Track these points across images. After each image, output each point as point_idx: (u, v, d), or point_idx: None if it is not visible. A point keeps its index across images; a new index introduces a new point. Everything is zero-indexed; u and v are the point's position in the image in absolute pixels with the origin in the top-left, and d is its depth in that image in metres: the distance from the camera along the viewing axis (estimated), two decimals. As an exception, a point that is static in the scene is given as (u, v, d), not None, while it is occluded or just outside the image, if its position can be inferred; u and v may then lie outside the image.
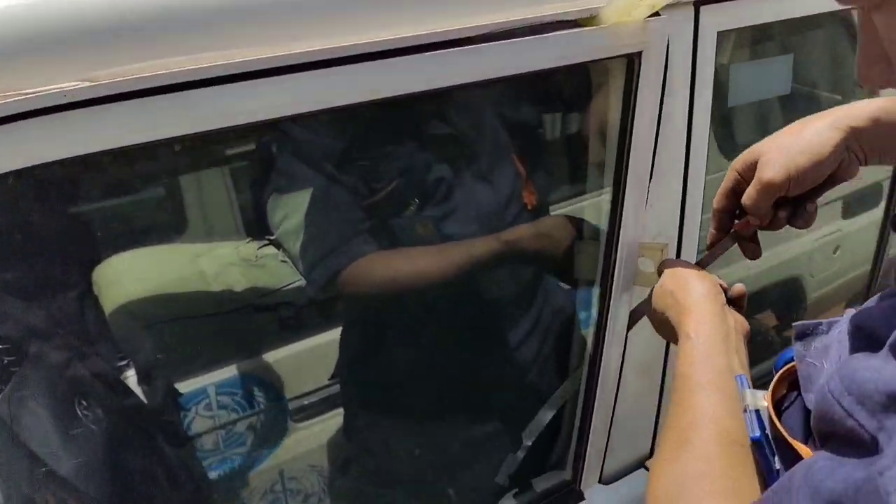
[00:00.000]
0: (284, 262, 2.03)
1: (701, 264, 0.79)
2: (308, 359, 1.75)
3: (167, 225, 2.34)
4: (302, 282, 1.89)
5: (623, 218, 0.87)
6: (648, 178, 0.87)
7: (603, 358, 0.94)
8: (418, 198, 1.12)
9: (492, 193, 1.13)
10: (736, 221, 0.77)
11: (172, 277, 1.89)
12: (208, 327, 1.74)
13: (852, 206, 2.59)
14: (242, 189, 2.42)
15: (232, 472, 1.71)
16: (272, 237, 2.13)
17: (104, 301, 1.77)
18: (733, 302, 0.73)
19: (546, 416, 1.11)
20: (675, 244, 0.94)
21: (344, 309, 1.36)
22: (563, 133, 1.40)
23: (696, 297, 0.69)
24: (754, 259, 0.78)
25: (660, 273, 0.80)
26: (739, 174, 0.74)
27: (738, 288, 0.76)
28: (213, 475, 1.69)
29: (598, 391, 0.96)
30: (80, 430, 0.98)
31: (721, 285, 0.73)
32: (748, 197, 0.72)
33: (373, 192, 1.09)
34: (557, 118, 1.42)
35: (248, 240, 2.19)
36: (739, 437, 0.54)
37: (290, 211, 2.09)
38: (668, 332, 0.72)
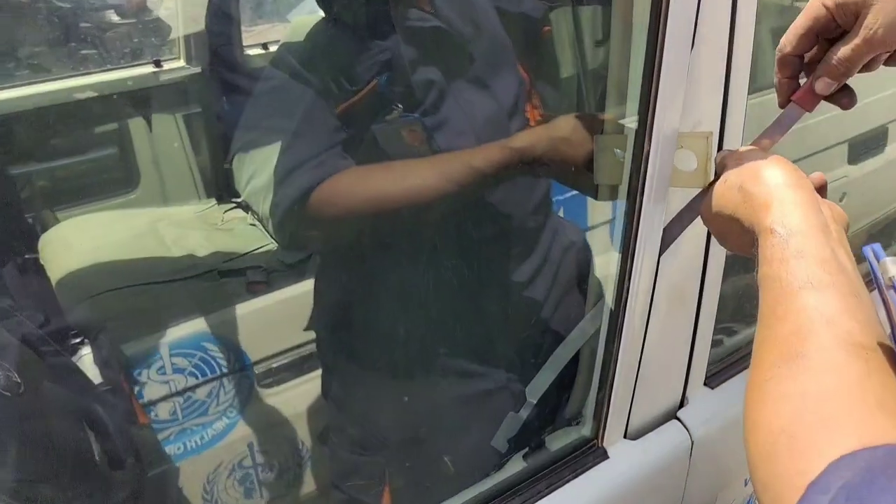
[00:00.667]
0: (253, 225, 1.85)
1: (768, 138, 0.61)
2: (277, 315, 1.55)
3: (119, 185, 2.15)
4: (273, 244, 1.72)
5: (657, 101, 0.68)
6: (689, 49, 0.68)
7: (631, 286, 0.76)
8: (402, 103, 0.91)
9: (491, 103, 0.93)
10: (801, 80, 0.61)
11: (127, 243, 1.70)
12: (166, 291, 1.55)
13: (858, 151, 2.45)
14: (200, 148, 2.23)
15: (193, 444, 1.52)
16: (239, 199, 1.95)
17: (51, 270, 1.58)
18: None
19: (557, 365, 0.92)
20: (718, 135, 0.75)
21: (317, 241, 1.15)
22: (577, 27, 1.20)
23: (776, 186, 0.53)
24: (850, 107, 0.61)
25: (718, 171, 0.62)
26: (831, 12, 0.56)
27: (818, 176, 0.60)
28: (170, 449, 1.49)
29: (624, 328, 0.78)
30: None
31: None
32: (847, 53, 0.56)
33: (348, 94, 0.89)
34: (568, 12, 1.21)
35: (211, 204, 2.00)
36: (867, 340, 0.43)
37: (258, 168, 1.87)
38: (739, 238, 0.56)
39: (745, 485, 1.03)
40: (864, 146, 2.44)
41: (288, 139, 0.90)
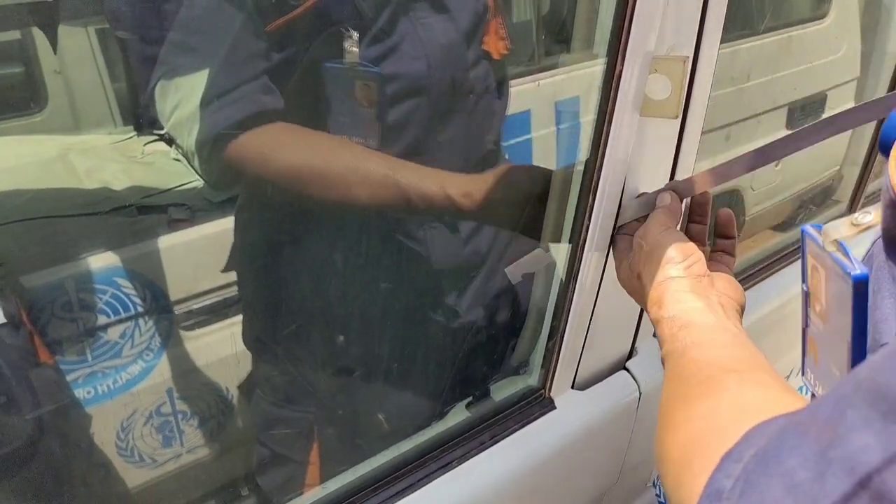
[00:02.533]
0: (177, 160, 1.70)
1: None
2: (202, 252, 1.43)
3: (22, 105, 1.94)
4: (199, 181, 1.59)
5: (634, 17, 0.61)
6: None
7: (590, 228, 0.70)
8: (349, 22, 0.79)
9: (449, 27, 0.83)
10: None
11: (32, 171, 1.54)
12: (76, 225, 1.41)
13: (796, 116, 2.49)
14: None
15: (104, 389, 1.40)
16: (162, 132, 1.79)
17: None
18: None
19: (498, 314, 0.87)
20: (692, 60, 0.69)
21: (242, 184, 1.03)
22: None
23: (666, 280, 0.56)
24: None
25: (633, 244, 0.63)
26: None
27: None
28: (80, 392, 1.37)
29: (579, 274, 0.73)
30: None
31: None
32: None
33: (282, 8, 0.76)
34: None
35: (132, 134, 1.83)
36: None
37: (184, 96, 1.71)
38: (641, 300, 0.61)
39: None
40: (803, 112, 2.48)
41: (206, 63, 0.77)
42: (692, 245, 0.57)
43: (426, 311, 0.95)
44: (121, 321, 1.40)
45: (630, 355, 0.88)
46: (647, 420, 0.88)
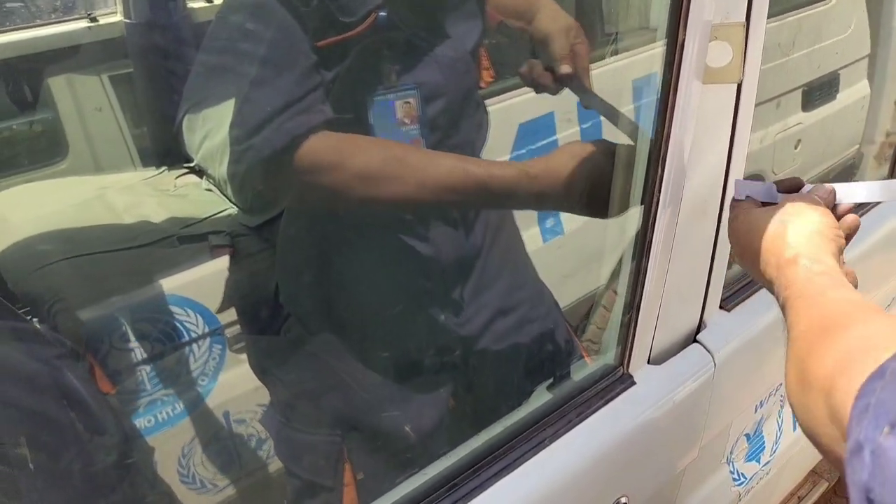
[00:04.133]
0: (209, 190, 1.74)
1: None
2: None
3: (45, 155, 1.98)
4: (232, 209, 1.61)
5: (693, -12, 0.63)
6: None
7: (660, 199, 0.71)
8: (396, 47, 0.82)
9: (456, 44, 0.86)
10: None
11: (73, 212, 1.57)
12: (123, 258, 1.44)
13: (811, 98, 2.50)
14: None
15: (163, 416, 1.42)
16: (192, 164, 1.82)
17: None
18: None
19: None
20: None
21: (282, 202, 1.05)
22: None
23: (811, 234, 0.58)
24: None
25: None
26: None
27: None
28: (141, 422, 1.38)
29: (651, 247, 0.74)
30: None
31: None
32: None
33: (337, 26, 0.78)
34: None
35: (162, 169, 1.87)
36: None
37: (213, 127, 1.74)
38: (756, 258, 0.61)
39: (755, 411, 1.02)
40: (818, 93, 2.49)
41: (262, 74, 0.77)
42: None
43: (438, 309, 0.97)
44: (175, 348, 1.42)
45: (699, 329, 0.88)
46: (721, 392, 0.88)
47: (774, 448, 1.10)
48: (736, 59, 0.65)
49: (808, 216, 0.59)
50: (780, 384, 1.05)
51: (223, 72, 0.80)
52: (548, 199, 0.77)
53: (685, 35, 0.64)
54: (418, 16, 0.84)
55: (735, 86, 0.72)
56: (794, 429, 1.13)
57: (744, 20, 0.68)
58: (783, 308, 0.56)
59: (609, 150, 0.76)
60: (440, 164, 0.77)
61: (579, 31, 0.88)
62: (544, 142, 1.77)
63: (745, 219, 0.63)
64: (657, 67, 0.68)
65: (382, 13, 0.80)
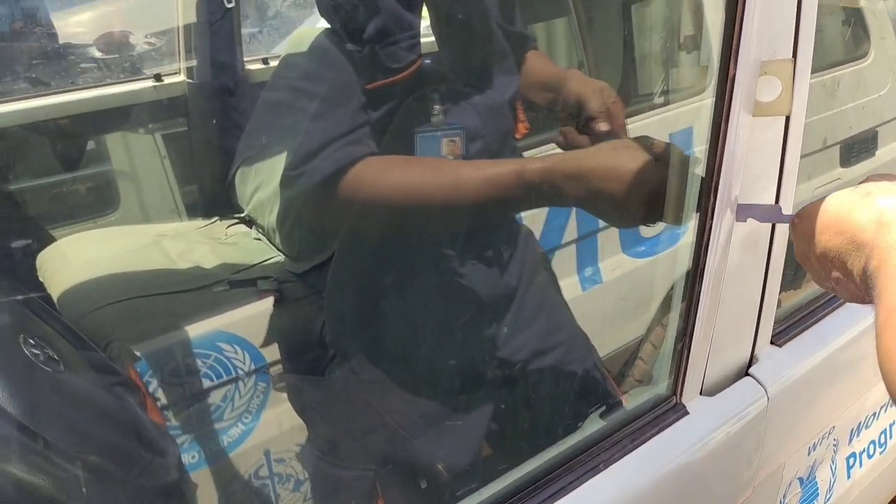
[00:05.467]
0: (258, 239, 1.81)
1: None
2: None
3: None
4: (280, 256, 1.68)
5: (743, 26, 0.67)
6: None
7: (711, 235, 0.74)
8: (440, 90, 0.89)
9: (493, 94, 0.91)
10: None
11: (131, 257, 1.65)
12: (176, 302, 1.50)
13: (849, 154, 2.51)
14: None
15: (209, 452, 1.43)
16: (242, 214, 1.91)
17: (51, 286, 1.53)
18: None
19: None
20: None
21: (332, 237, 1.10)
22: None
23: None
24: None
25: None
26: None
27: None
28: (186, 458, 1.40)
29: (703, 278, 0.75)
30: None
31: None
32: None
33: (385, 70, 0.85)
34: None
35: (214, 219, 1.96)
36: None
37: (264, 180, 1.83)
38: (838, 232, 0.58)
39: (808, 454, 1.00)
40: (855, 149, 2.50)
41: (319, 109, 0.83)
42: None
43: (477, 347, 0.99)
44: (222, 384, 1.45)
45: (751, 362, 0.88)
46: (774, 429, 0.87)
47: (829, 496, 1.07)
48: (785, 93, 0.69)
49: (893, 189, 0.56)
50: (833, 427, 1.03)
51: (285, 107, 0.87)
52: (586, 194, 0.77)
53: (736, 70, 0.67)
54: (460, 66, 0.90)
55: (784, 119, 0.75)
56: (849, 477, 1.10)
57: (791, 57, 0.71)
58: (872, 274, 0.52)
59: (658, 150, 0.77)
60: (476, 164, 0.82)
61: (611, 91, 0.92)
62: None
63: (811, 211, 0.60)
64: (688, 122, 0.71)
65: (427, 61, 0.86)
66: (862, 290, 0.56)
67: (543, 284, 1.04)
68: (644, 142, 0.77)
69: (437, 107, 0.88)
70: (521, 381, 0.99)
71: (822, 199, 0.61)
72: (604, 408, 0.81)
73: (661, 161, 0.75)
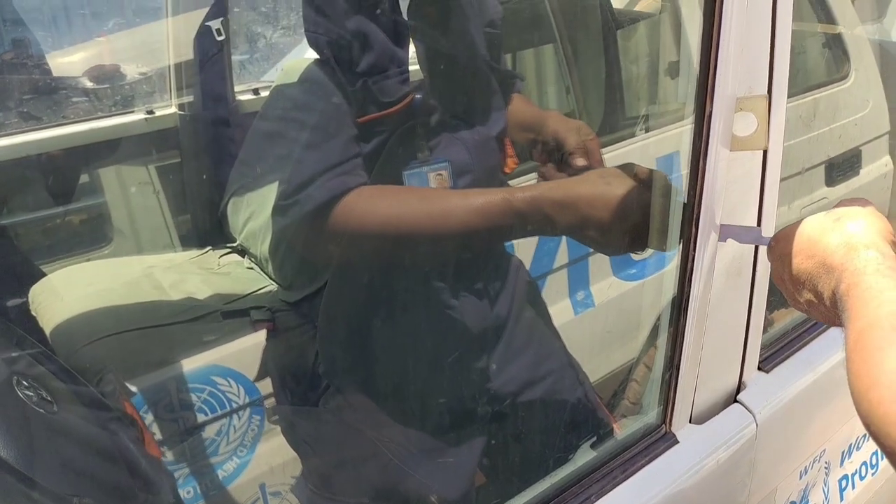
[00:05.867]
0: (251, 268, 1.82)
1: None
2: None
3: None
4: (272, 285, 1.69)
5: (718, 65, 0.69)
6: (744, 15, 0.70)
7: (695, 264, 0.75)
8: (429, 126, 0.91)
9: (481, 129, 0.94)
10: None
11: (123, 290, 1.65)
12: (169, 333, 1.50)
13: (834, 174, 2.55)
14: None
15: (204, 487, 1.43)
16: (234, 244, 1.92)
17: (44, 320, 1.53)
18: None
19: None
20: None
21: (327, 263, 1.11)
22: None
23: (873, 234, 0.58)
24: None
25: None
26: None
27: None
28: (182, 493, 1.40)
29: (689, 306, 0.77)
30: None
31: None
32: None
33: (377, 105, 0.87)
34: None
35: (206, 249, 1.97)
36: None
37: (256, 209, 1.84)
38: (809, 256, 0.60)
39: (800, 478, 1.01)
40: (840, 169, 2.54)
41: (311, 139, 0.86)
42: None
43: (468, 380, 0.99)
44: (217, 418, 1.44)
45: (739, 388, 0.89)
46: (764, 454, 0.88)
47: (823, 519, 1.07)
48: (761, 128, 0.71)
49: (863, 213, 0.58)
50: (824, 450, 1.04)
51: (278, 136, 0.88)
52: (574, 221, 0.78)
53: (712, 108, 0.70)
54: (449, 102, 0.92)
55: (761, 153, 0.77)
56: (842, 499, 1.11)
57: (766, 93, 0.73)
58: (842, 297, 0.54)
59: (643, 176, 0.79)
60: (464, 193, 0.84)
61: (588, 129, 0.94)
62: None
63: (788, 234, 0.63)
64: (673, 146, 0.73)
65: (418, 96, 0.89)
66: (832, 313, 0.57)
67: (533, 315, 1.05)
68: (629, 169, 0.79)
69: (423, 143, 0.90)
70: (512, 413, 1.00)
71: (798, 223, 0.63)
72: (594, 438, 0.82)
73: (647, 187, 0.76)
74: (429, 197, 0.87)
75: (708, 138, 0.70)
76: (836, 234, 0.58)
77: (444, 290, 0.95)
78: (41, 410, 0.79)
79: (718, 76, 0.69)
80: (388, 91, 0.86)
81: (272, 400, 1.52)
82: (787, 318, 1.01)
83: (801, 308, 0.64)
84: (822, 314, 0.61)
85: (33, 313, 1.64)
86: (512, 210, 0.79)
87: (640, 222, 0.76)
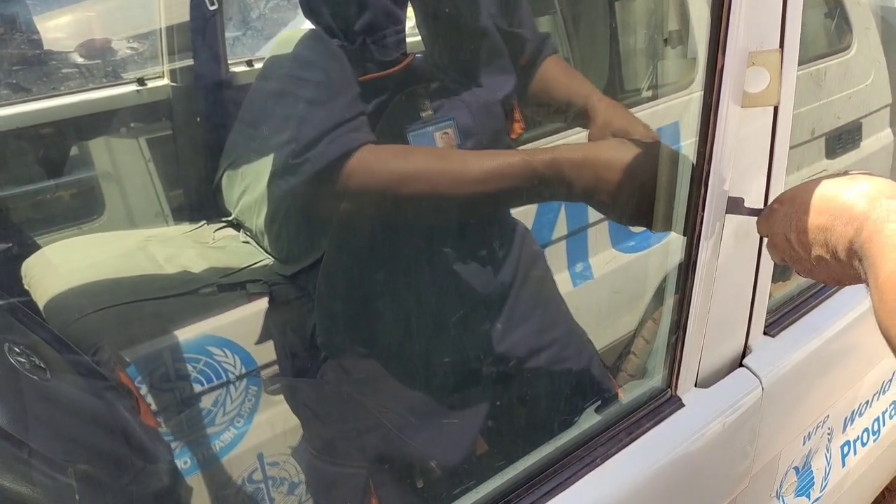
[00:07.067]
0: (246, 242, 1.80)
1: None
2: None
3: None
4: (268, 259, 1.67)
5: (730, 17, 0.67)
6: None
7: (703, 224, 0.73)
8: (431, 85, 0.88)
9: (485, 92, 0.91)
10: None
11: (118, 263, 1.63)
12: (165, 306, 1.48)
13: (834, 146, 2.53)
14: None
15: (201, 457, 1.42)
16: (229, 218, 1.89)
17: (37, 294, 1.51)
18: None
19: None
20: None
21: (325, 233, 1.09)
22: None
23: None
24: None
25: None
26: None
27: None
28: (178, 464, 1.39)
29: (696, 267, 0.75)
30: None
31: None
32: None
33: (378, 64, 0.85)
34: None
35: (202, 223, 1.94)
36: None
37: (251, 183, 1.81)
38: (815, 224, 0.60)
39: (803, 443, 1.01)
40: (840, 141, 2.52)
41: (318, 97, 0.83)
42: None
43: (470, 346, 0.98)
44: (213, 388, 1.43)
45: (744, 353, 0.88)
46: (769, 418, 0.87)
47: (824, 484, 1.07)
48: (774, 84, 0.69)
49: (874, 176, 0.59)
50: (828, 416, 1.03)
51: (281, 95, 0.86)
52: (592, 184, 0.76)
53: (724, 61, 0.67)
54: (452, 62, 0.90)
55: (772, 110, 0.75)
56: (844, 465, 1.11)
57: (778, 47, 0.71)
58: (863, 245, 0.54)
59: (653, 149, 0.76)
60: (480, 154, 0.81)
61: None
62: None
63: (792, 194, 0.63)
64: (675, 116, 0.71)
65: (419, 56, 0.86)
66: (843, 267, 0.58)
67: (538, 279, 1.03)
68: (648, 139, 0.78)
69: (426, 102, 0.88)
70: (516, 379, 0.99)
71: (803, 184, 0.63)
72: (599, 402, 0.81)
73: (663, 157, 0.75)
74: (444, 156, 0.84)
75: (719, 94, 0.68)
76: (855, 189, 0.58)
77: (449, 255, 0.94)
78: (34, 377, 0.77)
79: (731, 29, 0.67)
80: (387, 51, 0.83)
81: (269, 370, 1.51)
82: (784, 290, 1.00)
83: (806, 268, 0.64)
84: (829, 271, 0.61)
85: (27, 287, 1.62)
86: (531, 170, 0.77)
87: (652, 193, 0.74)
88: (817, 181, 0.62)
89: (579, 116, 0.94)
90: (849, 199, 0.57)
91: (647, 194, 0.74)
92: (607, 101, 0.92)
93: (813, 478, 1.05)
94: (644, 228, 0.76)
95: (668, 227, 0.75)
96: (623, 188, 0.74)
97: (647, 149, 0.75)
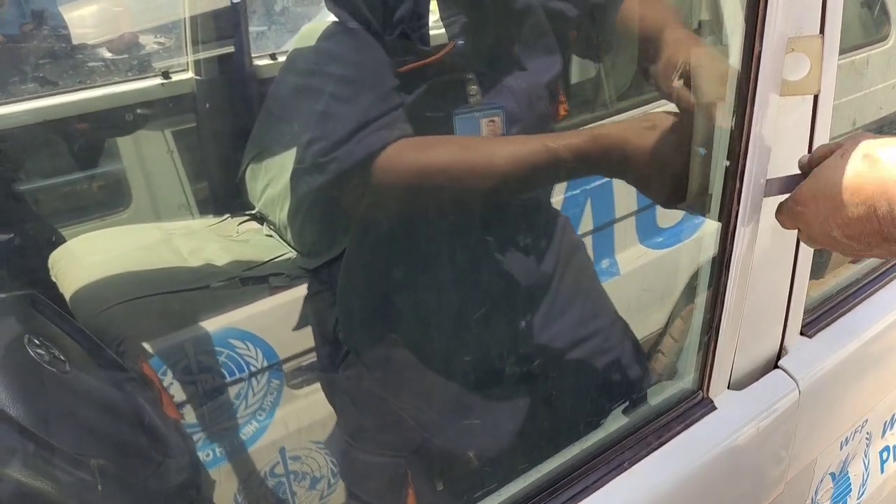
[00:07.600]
0: (270, 236, 1.80)
1: None
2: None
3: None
4: (292, 253, 1.66)
5: (769, 1, 0.63)
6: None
7: (738, 223, 0.70)
8: (474, 72, 0.86)
9: (529, 76, 0.88)
10: None
11: (142, 256, 1.64)
12: (188, 299, 1.49)
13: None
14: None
15: (223, 450, 1.42)
16: (253, 211, 1.89)
17: (64, 286, 1.53)
18: None
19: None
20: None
21: (348, 227, 1.07)
22: None
23: None
24: None
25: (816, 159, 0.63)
26: None
27: None
28: (200, 456, 1.39)
29: (730, 266, 0.72)
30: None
31: None
32: None
33: (417, 53, 0.82)
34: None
35: (225, 216, 1.94)
36: None
37: (274, 176, 1.80)
38: (849, 212, 0.59)
39: (840, 448, 0.97)
40: (882, 133, 2.44)
41: (347, 93, 0.81)
42: None
43: (507, 338, 0.96)
44: (235, 381, 1.43)
45: (780, 354, 0.85)
46: (806, 422, 0.84)
47: (862, 491, 1.03)
48: (814, 71, 0.65)
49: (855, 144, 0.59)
50: (866, 420, 0.99)
51: (308, 90, 0.84)
52: (618, 169, 0.74)
53: (762, 47, 0.64)
54: (493, 47, 0.87)
55: (811, 99, 0.72)
56: (882, 471, 1.06)
57: (818, 33, 0.67)
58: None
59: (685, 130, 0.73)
60: (511, 140, 0.80)
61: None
62: (598, 182, 1.77)
63: (811, 195, 0.62)
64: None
65: (460, 42, 0.83)
66: (884, 222, 0.56)
67: (579, 269, 1.01)
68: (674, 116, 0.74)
69: (473, 87, 0.86)
70: (556, 373, 0.96)
71: (812, 179, 0.62)
72: (627, 403, 0.78)
73: (696, 139, 0.72)
74: (471, 145, 0.82)
75: (756, 82, 0.65)
76: (872, 170, 0.56)
77: (488, 246, 0.91)
78: (53, 369, 0.77)
79: (769, 13, 0.63)
80: (427, 39, 0.81)
81: (292, 364, 1.50)
82: (820, 289, 0.96)
83: (860, 252, 0.61)
84: (867, 229, 0.59)
85: (53, 279, 1.63)
86: (560, 155, 0.75)
87: (684, 177, 0.71)
88: (826, 175, 0.61)
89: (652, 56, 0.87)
90: (874, 179, 0.56)
91: (679, 178, 0.71)
92: (676, 35, 0.83)
93: (850, 484, 1.01)
94: (678, 219, 0.74)
95: (702, 211, 0.72)
96: (653, 171, 0.72)
97: (678, 130, 0.72)
